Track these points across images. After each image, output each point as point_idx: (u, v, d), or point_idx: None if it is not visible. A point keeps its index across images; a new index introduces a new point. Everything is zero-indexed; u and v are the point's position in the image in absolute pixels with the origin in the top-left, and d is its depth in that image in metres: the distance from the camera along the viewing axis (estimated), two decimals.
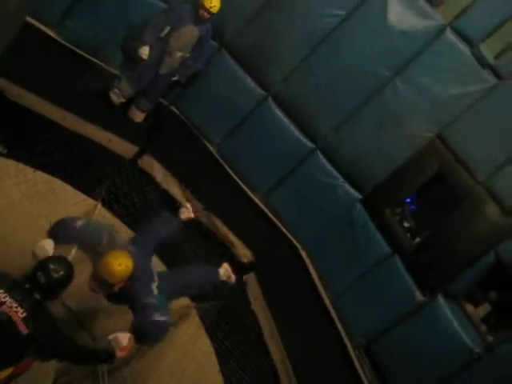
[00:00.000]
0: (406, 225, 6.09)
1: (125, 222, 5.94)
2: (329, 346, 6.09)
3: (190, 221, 5.34)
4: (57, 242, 4.19)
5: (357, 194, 6.36)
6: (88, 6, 6.14)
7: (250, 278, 6.58)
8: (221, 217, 6.57)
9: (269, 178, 6.65)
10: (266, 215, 6.70)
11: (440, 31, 5.84)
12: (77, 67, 6.26)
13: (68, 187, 5.69)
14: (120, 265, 3.95)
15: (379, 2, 5.95)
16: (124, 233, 5.55)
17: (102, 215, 5.65)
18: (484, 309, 5.41)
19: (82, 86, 6.09)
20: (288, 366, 5.88)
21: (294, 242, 6.61)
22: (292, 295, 6.34)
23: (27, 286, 3.23)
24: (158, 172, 6.64)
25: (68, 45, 6.21)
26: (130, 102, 6.50)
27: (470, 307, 5.45)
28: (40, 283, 3.23)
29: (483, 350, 5.14)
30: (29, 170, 5.46)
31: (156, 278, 4.40)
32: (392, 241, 5.96)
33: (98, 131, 6.25)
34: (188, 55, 6.24)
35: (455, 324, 5.31)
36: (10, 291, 3.16)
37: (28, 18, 5.58)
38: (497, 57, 5.76)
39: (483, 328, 5.30)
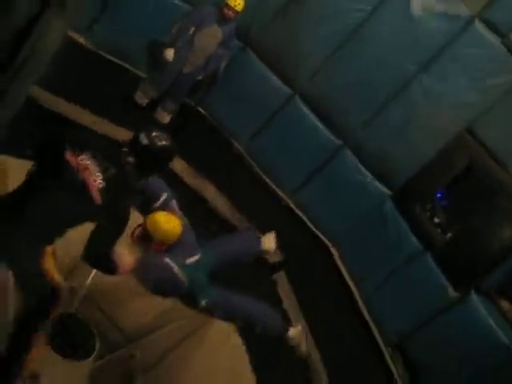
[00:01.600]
0: (437, 220, 6.00)
1: None
2: (361, 344, 6.05)
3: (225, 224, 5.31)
4: None
5: (387, 191, 6.31)
6: (115, 11, 6.25)
7: (280, 277, 6.57)
8: (250, 217, 6.58)
9: (297, 176, 6.65)
10: (295, 213, 6.69)
11: (468, 23, 5.74)
12: (105, 72, 6.36)
13: None
14: (168, 223, 3.98)
15: None
16: None
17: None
18: None
19: (110, 90, 6.18)
20: (320, 364, 5.86)
21: (324, 239, 6.59)
22: (323, 293, 6.31)
23: (124, 149, 2.94)
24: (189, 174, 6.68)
25: (96, 50, 6.32)
26: (156, 104, 6.58)
27: (505, 304, 5.36)
28: (141, 145, 2.94)
29: None
30: None
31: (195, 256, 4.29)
32: (423, 237, 5.90)
33: (125, 133, 6.32)
34: (212, 54, 6.27)
35: (490, 321, 5.22)
36: (96, 156, 2.78)
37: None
38: None
39: None
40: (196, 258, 4.26)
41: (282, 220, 6.72)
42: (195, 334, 4.42)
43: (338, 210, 6.51)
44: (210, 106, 6.96)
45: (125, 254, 3.38)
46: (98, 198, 2.72)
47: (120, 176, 2.82)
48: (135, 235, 4.03)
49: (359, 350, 6.02)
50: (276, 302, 6.21)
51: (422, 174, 6.10)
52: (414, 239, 5.93)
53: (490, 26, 5.68)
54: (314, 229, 6.64)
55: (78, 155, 2.76)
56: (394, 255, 6.04)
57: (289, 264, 6.59)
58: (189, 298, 4.26)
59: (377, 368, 5.80)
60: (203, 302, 4.29)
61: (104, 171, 2.76)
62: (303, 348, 4.82)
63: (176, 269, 4.11)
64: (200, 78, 6.42)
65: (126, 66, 6.56)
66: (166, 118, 6.64)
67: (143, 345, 4.23)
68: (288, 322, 4.92)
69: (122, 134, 6.20)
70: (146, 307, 4.75)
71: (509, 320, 5.21)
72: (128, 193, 2.96)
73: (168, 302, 4.50)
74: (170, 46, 6.04)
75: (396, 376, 5.65)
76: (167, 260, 4.09)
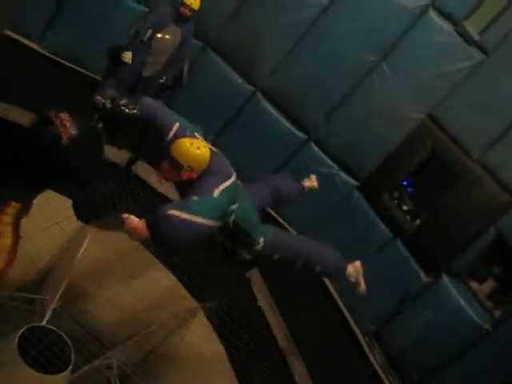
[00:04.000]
0: (405, 208, 6.10)
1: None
2: (337, 333, 6.10)
3: None
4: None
5: (353, 182, 6.39)
6: (69, 16, 6.13)
7: (254, 274, 6.58)
8: None
9: (264, 171, 6.64)
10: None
11: (423, 12, 5.85)
12: (62, 77, 6.23)
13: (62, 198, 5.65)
14: (194, 146, 3.63)
15: None
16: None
17: None
18: (489, 285, 5.43)
19: (68, 96, 6.06)
20: (298, 357, 5.89)
21: (294, 232, 6.60)
22: (296, 286, 6.33)
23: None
24: (153, 177, 6.62)
25: (52, 56, 6.19)
26: None
27: (475, 284, 5.47)
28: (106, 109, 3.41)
29: (491, 325, 5.16)
30: None
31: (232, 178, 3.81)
32: (392, 224, 5.99)
33: None
34: (172, 56, 6.21)
35: (462, 302, 5.33)
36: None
37: (10, 33, 5.56)
38: (481, 32, 5.77)
39: (489, 304, 5.31)
40: (233, 179, 3.78)
41: None
42: (174, 337, 4.39)
43: (307, 202, 6.52)
44: (174, 107, 6.87)
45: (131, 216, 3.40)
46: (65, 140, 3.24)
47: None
48: (163, 168, 3.71)
49: (336, 338, 6.07)
50: (251, 298, 6.24)
51: (387, 163, 6.18)
52: (383, 227, 6.02)
53: (444, 14, 5.81)
54: (283, 222, 6.64)
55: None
56: (364, 245, 6.09)
57: (260, 260, 6.59)
58: (242, 237, 3.81)
59: (355, 357, 5.85)
60: (260, 241, 3.83)
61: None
62: (362, 284, 4.34)
63: (207, 222, 3.53)
64: (163, 81, 6.34)
65: (82, 70, 6.42)
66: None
67: (120, 352, 4.18)
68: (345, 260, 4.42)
69: None
70: (120, 315, 4.70)
71: (479, 300, 5.32)
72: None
73: (143, 306, 4.46)
74: (128, 49, 5.95)
75: (375, 365, 5.71)
76: (196, 219, 3.48)
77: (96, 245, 4.77)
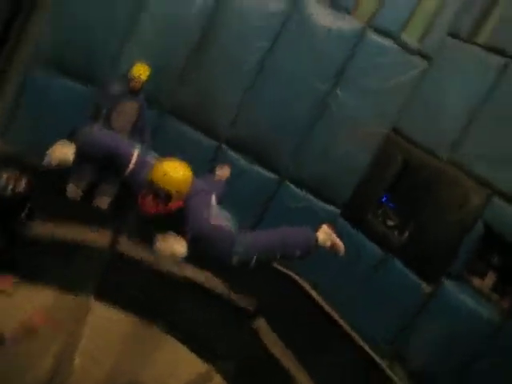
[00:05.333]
0: (391, 223, 6.13)
1: None
2: (357, 364, 5.98)
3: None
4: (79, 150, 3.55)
5: (334, 209, 6.43)
6: (27, 111, 6.18)
7: (261, 323, 6.48)
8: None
9: (245, 220, 6.63)
10: None
11: (362, 33, 6.08)
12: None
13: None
14: (177, 168, 3.35)
15: (297, 22, 6.19)
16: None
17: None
18: (491, 277, 5.41)
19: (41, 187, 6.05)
20: None
21: (291, 273, 6.57)
22: (303, 324, 6.24)
23: None
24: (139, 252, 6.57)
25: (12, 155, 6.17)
26: (91, 192, 6.42)
27: (477, 281, 5.45)
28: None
29: (501, 318, 5.12)
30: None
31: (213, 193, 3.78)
32: (382, 243, 5.99)
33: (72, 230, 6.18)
34: (132, 130, 6.24)
35: (468, 301, 5.30)
36: None
37: None
38: (420, 40, 6.01)
39: (495, 296, 5.29)
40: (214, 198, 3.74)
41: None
42: None
43: None
44: None
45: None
46: None
47: None
48: (145, 203, 3.37)
49: (356, 370, 5.93)
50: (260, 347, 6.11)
51: (363, 185, 6.27)
52: (373, 247, 6.01)
53: (381, 31, 6.05)
54: (277, 266, 6.60)
55: None
56: (358, 269, 6.06)
57: (264, 308, 6.51)
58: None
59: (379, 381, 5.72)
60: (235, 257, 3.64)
61: None
62: (339, 243, 4.03)
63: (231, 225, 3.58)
64: None
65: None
66: (105, 203, 6.51)
67: None
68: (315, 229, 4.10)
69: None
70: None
71: (485, 295, 5.30)
72: None
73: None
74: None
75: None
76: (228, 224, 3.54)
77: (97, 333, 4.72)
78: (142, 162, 3.54)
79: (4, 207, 2.84)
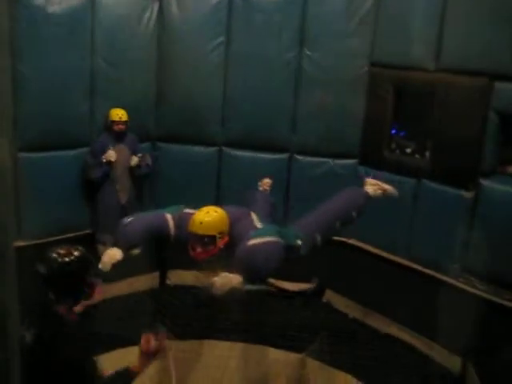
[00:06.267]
0: (409, 150, 6.07)
1: None
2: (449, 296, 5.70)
3: None
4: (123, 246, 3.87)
5: (351, 162, 6.42)
6: (33, 202, 6.10)
7: (329, 295, 6.49)
8: None
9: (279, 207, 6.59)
10: None
11: None
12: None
13: None
14: (208, 212, 3.66)
15: (242, 4, 6.24)
16: None
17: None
18: None
19: None
20: None
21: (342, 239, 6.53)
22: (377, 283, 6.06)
23: None
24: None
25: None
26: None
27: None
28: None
29: None
30: None
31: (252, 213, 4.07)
32: (409, 171, 5.91)
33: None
34: (133, 171, 6.26)
35: None
36: None
37: None
38: None
39: None
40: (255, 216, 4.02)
41: None
42: None
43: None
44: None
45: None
46: None
47: None
48: (198, 253, 3.67)
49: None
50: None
51: (368, 127, 6.24)
52: (403, 179, 5.84)
53: None
54: None
55: None
56: (396, 207, 5.80)
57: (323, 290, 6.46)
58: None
59: None
60: (299, 243, 3.90)
61: None
62: (388, 188, 4.45)
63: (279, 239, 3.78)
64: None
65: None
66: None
67: None
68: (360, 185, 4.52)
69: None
70: None
71: None
72: None
73: None
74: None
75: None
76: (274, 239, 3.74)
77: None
78: (179, 220, 3.88)
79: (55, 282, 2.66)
